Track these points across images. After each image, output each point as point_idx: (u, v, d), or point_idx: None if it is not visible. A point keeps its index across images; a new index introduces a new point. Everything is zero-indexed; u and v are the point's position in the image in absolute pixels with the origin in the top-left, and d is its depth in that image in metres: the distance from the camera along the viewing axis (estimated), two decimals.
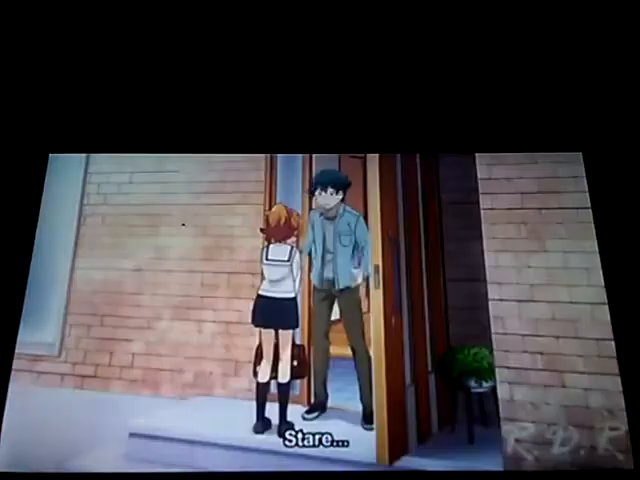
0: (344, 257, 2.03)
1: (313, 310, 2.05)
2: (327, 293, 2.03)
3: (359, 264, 2.02)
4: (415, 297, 2.06)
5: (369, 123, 2.22)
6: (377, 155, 2.06)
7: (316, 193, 2.08)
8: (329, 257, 2.04)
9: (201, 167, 2.20)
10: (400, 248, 2.06)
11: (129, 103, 2.24)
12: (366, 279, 1.98)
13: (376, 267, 1.96)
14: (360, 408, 1.90)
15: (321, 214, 2.07)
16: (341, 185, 2.07)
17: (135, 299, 2.08)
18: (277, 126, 2.22)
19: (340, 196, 2.07)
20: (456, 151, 2.16)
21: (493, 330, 1.91)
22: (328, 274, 2.03)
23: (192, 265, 2.10)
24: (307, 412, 1.93)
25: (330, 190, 2.06)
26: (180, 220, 2.15)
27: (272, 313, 1.99)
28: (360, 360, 1.95)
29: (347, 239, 2.04)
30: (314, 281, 2.05)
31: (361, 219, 2.04)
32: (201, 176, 2.19)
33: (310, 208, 2.11)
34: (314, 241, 2.06)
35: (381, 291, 1.94)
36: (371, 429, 1.84)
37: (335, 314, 2.05)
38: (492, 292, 1.95)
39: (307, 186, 2.15)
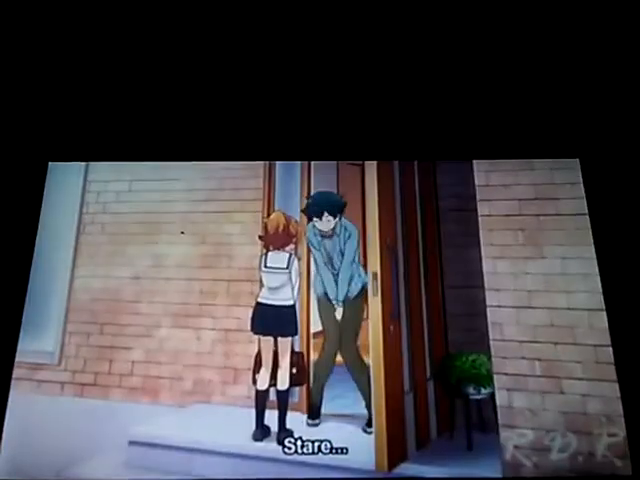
0: (346, 272, 2.04)
1: (331, 320, 2.04)
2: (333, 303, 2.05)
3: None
4: (413, 304, 2.07)
5: (367, 130, 2.23)
6: (375, 162, 2.07)
7: (313, 220, 2.09)
8: (333, 272, 2.05)
9: (200, 175, 2.21)
10: (398, 255, 2.07)
11: (128, 112, 2.25)
12: (364, 287, 2.00)
13: (374, 274, 1.98)
14: (359, 414, 1.90)
15: (316, 233, 2.09)
16: (337, 210, 2.09)
17: (134, 307, 2.09)
18: (275, 134, 2.23)
19: (337, 219, 2.08)
20: (454, 158, 2.17)
21: (491, 336, 1.92)
22: (333, 289, 2.04)
23: (191, 273, 2.11)
24: (310, 418, 1.94)
25: (326, 217, 2.08)
26: (179, 228, 2.16)
27: (271, 320, 2.00)
28: (354, 367, 1.96)
29: (346, 253, 2.05)
30: (319, 294, 2.06)
31: (354, 233, 2.06)
32: (200, 184, 2.19)
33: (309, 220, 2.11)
34: (315, 261, 2.07)
35: (379, 298, 1.95)
36: (371, 432, 1.85)
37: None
38: (490, 299, 1.96)
39: (305, 193, 2.16)
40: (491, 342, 1.91)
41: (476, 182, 2.09)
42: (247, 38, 2.34)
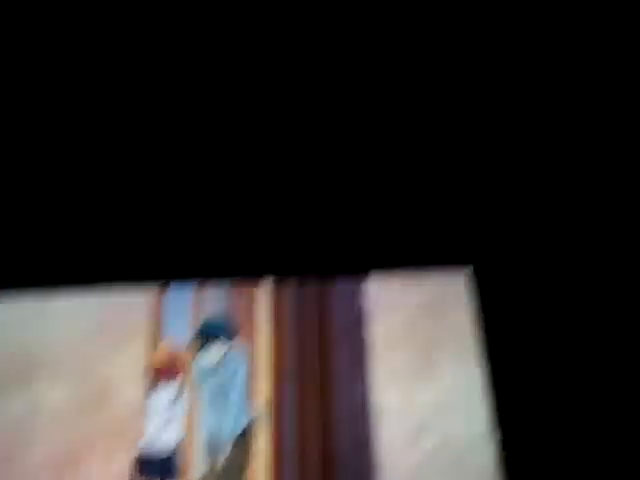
0: (233, 407, 1.97)
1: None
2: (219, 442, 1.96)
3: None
4: (303, 436, 2.00)
5: (259, 249, 2.19)
6: (268, 287, 2.08)
7: (201, 350, 2.02)
8: (221, 408, 1.97)
9: (81, 307, 2.08)
10: (291, 383, 2.01)
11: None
12: (252, 422, 1.94)
13: (266, 403, 1.92)
14: None
15: (204, 366, 2.01)
16: (227, 338, 2.03)
17: (7, 459, 1.93)
18: (165, 254, 2.16)
19: (226, 349, 2.01)
20: (345, 272, 2.14)
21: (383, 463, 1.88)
22: (219, 426, 1.96)
23: (70, 417, 1.97)
24: None
25: (215, 348, 2.02)
26: (58, 367, 2.02)
27: (153, 465, 1.90)
28: None
29: (234, 387, 1.98)
30: (205, 432, 1.96)
31: (242, 366, 1.99)
32: (80, 317, 2.07)
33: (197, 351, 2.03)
34: (202, 396, 1.99)
35: (269, 431, 1.90)
36: None
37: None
38: (380, 426, 1.92)
39: (195, 321, 2.08)
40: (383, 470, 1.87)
41: (367, 302, 2.08)
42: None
